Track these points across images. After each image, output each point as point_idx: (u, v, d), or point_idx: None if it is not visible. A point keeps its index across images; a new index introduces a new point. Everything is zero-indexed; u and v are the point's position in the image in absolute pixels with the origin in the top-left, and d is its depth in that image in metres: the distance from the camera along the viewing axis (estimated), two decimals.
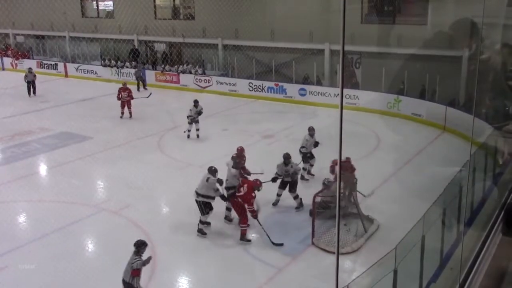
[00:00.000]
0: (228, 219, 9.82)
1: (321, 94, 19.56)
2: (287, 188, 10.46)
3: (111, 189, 12.00)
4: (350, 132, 13.87)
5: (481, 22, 6.71)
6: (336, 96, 18.82)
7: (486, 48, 9.47)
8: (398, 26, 18.92)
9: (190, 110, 15.16)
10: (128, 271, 6.99)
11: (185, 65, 23.64)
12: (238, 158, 10.61)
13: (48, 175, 13.40)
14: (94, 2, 28.56)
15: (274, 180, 10.33)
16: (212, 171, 9.31)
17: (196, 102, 15.32)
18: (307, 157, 11.87)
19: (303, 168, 11.78)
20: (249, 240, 9.14)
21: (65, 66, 26.97)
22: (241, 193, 9.11)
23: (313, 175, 11.96)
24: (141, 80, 22.79)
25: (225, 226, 9.70)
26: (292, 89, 20.39)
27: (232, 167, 9.97)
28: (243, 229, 9.14)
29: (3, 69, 29.22)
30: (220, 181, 9.39)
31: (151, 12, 25.48)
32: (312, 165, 12.03)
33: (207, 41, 23.96)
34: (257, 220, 9.15)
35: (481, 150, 9.51)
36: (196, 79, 22.73)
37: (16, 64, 28.65)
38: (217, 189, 9.32)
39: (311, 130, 11.96)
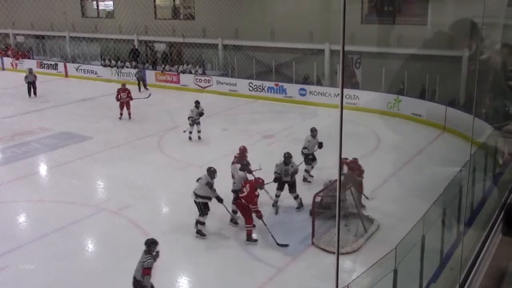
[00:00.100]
0: (233, 221, 9.73)
1: (321, 94, 19.56)
2: (287, 189, 10.46)
3: (111, 189, 12.00)
4: (350, 132, 13.87)
5: (481, 22, 6.71)
6: (336, 96, 18.82)
7: (486, 48, 9.47)
8: (398, 26, 18.92)
9: (191, 111, 14.97)
10: (139, 270, 7.02)
11: (185, 65, 23.64)
12: (241, 157, 10.59)
13: (48, 175, 13.40)
14: (94, 2, 28.56)
15: (276, 180, 10.31)
16: (211, 172, 9.29)
17: (197, 103, 15.14)
18: (309, 158, 11.73)
19: (305, 170, 11.71)
20: (256, 240, 9.14)
21: (65, 66, 26.97)
22: (244, 194, 9.10)
23: (312, 176, 11.92)
24: (141, 81, 22.76)
25: (225, 226, 9.69)
26: (292, 89, 20.39)
27: (240, 169, 9.91)
28: (249, 229, 9.14)
29: (3, 69, 29.22)
30: (209, 184, 9.22)
31: (151, 12, 25.48)
32: (312, 167, 11.91)
33: (207, 41, 23.96)
34: (262, 221, 9.15)
35: (481, 150, 9.51)
36: (196, 79, 22.73)
37: (16, 64, 28.65)
38: (215, 190, 9.31)
39: (314, 131, 11.81)
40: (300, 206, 10.46)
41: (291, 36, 20.72)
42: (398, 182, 11.58)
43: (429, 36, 17.68)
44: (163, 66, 24.33)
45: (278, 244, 8.98)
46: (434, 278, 6.98)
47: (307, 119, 17.50)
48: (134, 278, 7.08)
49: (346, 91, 18.39)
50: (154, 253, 7.11)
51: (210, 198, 9.26)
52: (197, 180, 9.32)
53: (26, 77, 21.31)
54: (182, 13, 25.80)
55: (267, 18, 21.54)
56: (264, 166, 10.69)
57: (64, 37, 28.92)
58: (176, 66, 23.86)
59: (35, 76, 21.53)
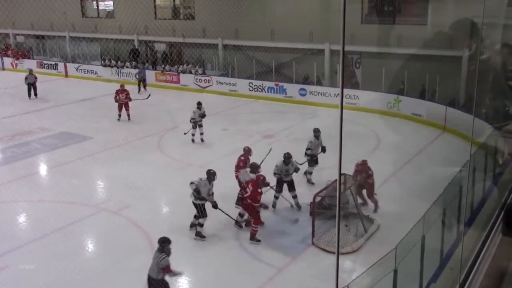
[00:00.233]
0: (238, 224, 9.67)
1: (321, 94, 19.57)
2: (287, 189, 10.46)
3: (111, 189, 12.00)
4: (350, 132, 13.88)
5: (481, 22, 6.71)
6: (336, 96, 18.82)
7: (486, 48, 9.47)
8: (398, 26, 18.92)
9: (194, 112, 14.74)
10: (154, 269, 7.04)
11: (185, 65, 23.64)
12: (245, 156, 10.57)
13: (48, 175, 13.40)
14: (94, 2, 28.56)
15: (277, 181, 10.28)
16: (211, 174, 9.25)
17: (199, 104, 14.88)
18: (313, 160, 11.56)
19: (309, 172, 11.61)
20: (259, 241, 9.14)
21: (65, 66, 26.98)
22: (248, 193, 9.11)
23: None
24: (142, 81, 22.66)
25: (224, 227, 9.68)
26: (292, 89, 20.39)
27: (250, 172, 9.86)
28: (255, 230, 9.14)
29: (3, 69, 29.22)
30: (196, 190, 9.09)
31: (151, 12, 25.48)
32: (311, 172, 11.72)
33: (207, 41, 23.96)
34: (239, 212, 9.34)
35: (481, 150, 9.51)
36: (196, 79, 22.73)
37: (16, 64, 28.65)
38: (212, 193, 9.27)
39: (317, 132, 11.61)
40: (298, 207, 10.46)
41: (291, 36, 20.72)
42: (398, 182, 11.58)
43: (429, 36, 17.68)
44: (163, 66, 24.33)
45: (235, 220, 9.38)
46: (434, 278, 6.98)
47: (307, 119, 17.51)
48: (149, 276, 7.11)
49: (346, 91, 18.39)
50: (167, 251, 7.13)
51: (206, 200, 9.24)
52: (190, 184, 9.19)
53: (26, 78, 21.09)
54: (182, 13, 25.80)
55: (267, 18, 21.54)
56: (264, 166, 10.67)
57: (64, 37, 28.92)
58: (176, 66, 23.86)
59: (36, 77, 21.33)
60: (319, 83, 20.71)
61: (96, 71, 25.83)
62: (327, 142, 11.47)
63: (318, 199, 9.29)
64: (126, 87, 18.05)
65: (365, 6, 20.16)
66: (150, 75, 23.83)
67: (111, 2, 27.66)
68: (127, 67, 24.73)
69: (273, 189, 10.33)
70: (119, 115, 17.48)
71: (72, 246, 9.15)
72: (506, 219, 7.16)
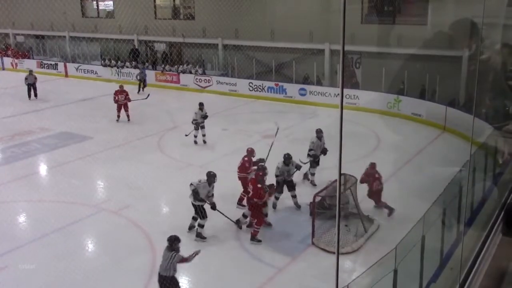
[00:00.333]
0: (239, 225, 9.62)
1: (321, 94, 19.57)
2: (286, 189, 10.46)
3: (111, 189, 12.00)
4: (350, 132, 13.88)
5: (481, 22, 6.71)
6: (336, 96, 18.82)
7: (486, 48, 9.47)
8: (398, 26, 18.92)
9: (195, 113, 14.52)
10: (166, 268, 7.09)
11: (185, 65, 23.64)
12: (248, 157, 10.60)
13: (48, 175, 13.40)
14: (94, 2, 28.56)
15: (278, 183, 10.21)
16: (211, 176, 9.23)
17: (201, 105, 14.62)
18: (315, 161, 11.44)
19: (311, 173, 11.54)
20: (260, 241, 9.13)
21: (65, 66, 26.98)
22: (251, 193, 9.11)
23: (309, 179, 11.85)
24: (142, 82, 22.50)
25: (224, 227, 9.68)
26: (292, 89, 20.39)
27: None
28: (256, 230, 9.14)
29: (3, 69, 29.22)
30: (195, 192, 9.06)
31: (151, 12, 25.48)
32: (314, 173, 11.60)
33: (207, 41, 23.96)
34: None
35: (481, 150, 9.51)
36: (196, 79, 22.73)
37: (16, 64, 28.65)
38: (212, 195, 9.25)
39: (319, 133, 11.44)
40: (298, 206, 10.46)
41: (291, 36, 20.72)
42: (398, 182, 11.57)
43: (429, 36, 17.69)
44: (163, 66, 24.33)
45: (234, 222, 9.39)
46: (434, 278, 6.98)
47: (307, 119, 17.51)
48: (160, 275, 7.16)
49: (346, 91, 18.39)
50: (176, 249, 7.19)
51: (206, 202, 9.23)
52: (190, 185, 9.17)
53: (26, 78, 20.89)
54: (182, 13, 25.81)
55: (267, 18, 21.54)
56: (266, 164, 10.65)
57: (64, 37, 28.93)
58: (176, 66, 23.86)
59: (35, 78, 21.15)
60: (319, 83, 20.72)
61: (96, 71, 25.83)
62: (327, 142, 11.46)
63: (318, 199, 9.29)
64: (126, 87, 18.05)
65: (365, 6, 20.16)
66: (150, 75, 23.82)
67: (111, 2, 27.66)
68: (127, 67, 24.73)
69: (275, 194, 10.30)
70: (118, 116, 17.37)
71: (72, 246, 9.15)
72: (506, 219, 7.16)
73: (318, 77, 20.84)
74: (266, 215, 9.69)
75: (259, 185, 9.07)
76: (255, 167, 9.91)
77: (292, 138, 14.73)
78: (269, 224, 9.69)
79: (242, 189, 10.61)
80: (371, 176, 9.98)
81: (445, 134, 15.58)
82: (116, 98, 17.18)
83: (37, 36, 30.27)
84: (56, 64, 27.38)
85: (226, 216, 9.52)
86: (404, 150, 14.07)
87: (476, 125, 9.76)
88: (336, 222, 6.73)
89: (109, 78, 24.66)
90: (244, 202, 10.50)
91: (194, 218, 9.41)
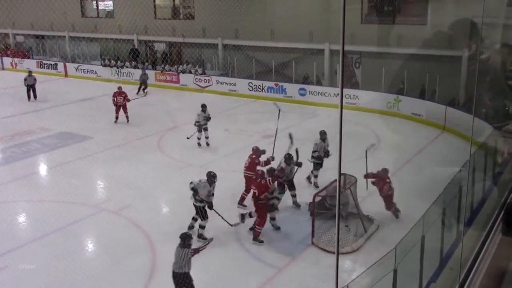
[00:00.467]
0: (243, 220, 9.43)
1: (321, 94, 19.57)
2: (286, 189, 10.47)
3: (111, 189, 12.00)
4: (350, 132, 13.88)
5: (481, 22, 6.71)
6: (336, 96, 18.82)
7: (486, 48, 9.47)
8: (398, 26, 18.93)
9: (198, 115, 14.24)
10: (180, 264, 7.15)
11: (185, 65, 23.64)
12: (255, 154, 10.59)
13: (48, 175, 13.40)
14: (94, 2, 28.55)
15: (281, 183, 10.11)
16: (211, 176, 9.21)
17: (204, 107, 14.36)
18: (318, 164, 11.35)
19: (314, 175, 11.44)
20: (262, 241, 9.12)
21: (65, 66, 26.97)
22: (257, 192, 9.09)
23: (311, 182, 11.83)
24: (143, 83, 22.24)
25: (225, 228, 9.68)
26: (292, 89, 20.40)
27: (269, 176, 9.72)
28: (258, 231, 9.13)
29: (3, 69, 29.21)
30: (194, 190, 9.05)
31: (151, 12, 25.48)
32: (317, 175, 11.50)
33: (207, 41, 23.96)
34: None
35: (481, 150, 9.51)
36: (196, 79, 22.73)
37: (16, 64, 28.64)
38: (212, 194, 9.23)
39: (323, 134, 11.31)
40: (297, 206, 10.46)
41: (291, 36, 20.72)
42: (398, 182, 11.55)
43: (429, 36, 17.69)
44: (162, 66, 24.33)
45: (230, 224, 9.27)
46: (434, 278, 6.98)
47: (307, 119, 17.52)
48: (174, 272, 7.21)
49: (346, 91, 18.39)
50: (188, 246, 7.24)
51: (205, 202, 9.22)
52: (189, 184, 9.15)
53: (25, 79, 20.64)
54: (182, 13, 25.80)
55: (267, 18, 21.54)
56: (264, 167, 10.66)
57: (64, 37, 28.93)
58: (176, 66, 23.86)
59: (35, 79, 20.88)
60: (318, 83, 20.72)
61: (95, 71, 25.83)
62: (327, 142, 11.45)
63: (318, 199, 9.29)
64: (126, 87, 18.04)
65: (365, 6, 20.17)
66: (150, 75, 23.77)
67: (111, 2, 27.66)
68: (127, 67, 24.73)
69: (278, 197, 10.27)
70: (116, 117, 17.17)
71: (72, 246, 9.15)
72: (506, 219, 7.15)
73: (318, 77, 20.84)
74: (274, 218, 9.62)
75: (262, 181, 9.04)
76: (267, 167, 9.81)
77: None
78: (278, 228, 9.59)
79: (244, 189, 10.62)
80: (382, 180, 9.84)
81: (445, 134, 15.58)
82: (115, 100, 17.06)
83: (37, 36, 30.27)
84: (56, 64, 27.38)
85: (222, 218, 9.41)
86: (404, 150, 14.08)
87: (476, 125, 9.76)
88: (336, 222, 6.74)
89: (109, 78, 24.66)
90: (245, 202, 10.52)
91: (194, 219, 9.41)
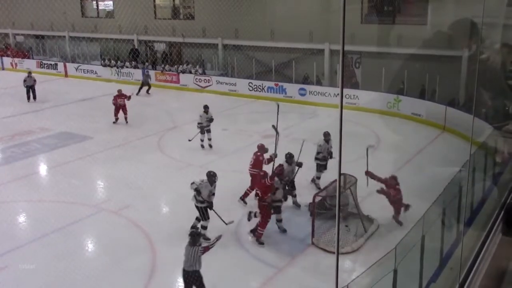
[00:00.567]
0: (249, 217, 9.47)
1: (321, 94, 19.57)
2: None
3: (111, 189, 12.00)
4: (350, 132, 13.87)
5: (481, 22, 6.71)
6: (336, 96, 18.82)
7: (486, 48, 9.47)
8: (398, 26, 18.93)
9: (201, 116, 14.02)
10: (193, 263, 7.17)
11: (185, 65, 23.64)
12: (261, 153, 10.60)
13: (48, 175, 13.40)
14: (94, 2, 28.56)
15: (289, 190, 9.98)
16: (211, 176, 9.20)
17: (206, 108, 14.10)
18: (322, 165, 11.28)
19: (317, 177, 11.38)
20: (262, 243, 9.08)
21: (65, 66, 26.97)
22: (260, 194, 9.08)
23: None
24: (147, 84, 22.08)
25: (225, 227, 9.67)
26: (292, 89, 20.40)
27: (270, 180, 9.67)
28: (260, 232, 9.10)
29: (3, 69, 29.22)
30: (197, 191, 9.04)
31: (151, 12, 25.49)
32: (319, 177, 11.43)
33: (207, 41, 23.97)
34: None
35: (481, 150, 9.51)
36: (196, 79, 22.73)
37: (16, 64, 28.65)
38: (213, 194, 9.22)
39: (327, 136, 11.22)
40: (297, 206, 10.45)
41: (291, 36, 20.73)
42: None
43: (429, 36, 17.69)
44: (163, 66, 24.33)
45: (226, 223, 9.19)
46: (434, 278, 6.98)
47: (307, 119, 17.52)
48: (184, 270, 7.24)
49: (346, 91, 18.39)
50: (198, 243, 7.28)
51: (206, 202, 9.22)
52: (191, 184, 9.14)
53: (24, 80, 20.48)
54: (182, 13, 25.81)
55: (267, 18, 21.55)
56: (264, 167, 10.64)
57: (64, 37, 28.94)
58: (176, 66, 23.86)
59: (35, 80, 20.69)
60: (318, 83, 20.73)
61: (96, 71, 25.83)
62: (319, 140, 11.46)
63: (318, 199, 9.29)
64: (126, 87, 18.02)
65: (365, 6, 20.17)
66: (150, 75, 23.83)
67: (111, 2, 27.67)
68: (127, 67, 24.73)
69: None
70: (116, 119, 17.09)
71: (72, 246, 9.15)
72: (506, 219, 7.15)
73: (318, 77, 20.84)
74: (281, 220, 9.54)
75: (266, 182, 9.03)
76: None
77: (292, 138, 14.70)
78: (284, 230, 9.53)
79: (244, 189, 10.62)
80: (391, 187, 9.72)
81: (445, 134, 15.58)
82: (116, 102, 16.91)
83: (37, 36, 30.27)
84: (56, 64, 27.38)
85: (220, 217, 9.36)
86: (404, 150, 14.07)
87: (476, 125, 9.76)
88: (336, 222, 6.73)
89: (109, 78, 24.66)
90: (247, 199, 10.51)
91: (198, 219, 9.40)
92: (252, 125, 16.96)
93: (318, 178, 11.41)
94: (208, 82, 22.41)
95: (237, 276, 8.25)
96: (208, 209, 9.20)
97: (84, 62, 27.34)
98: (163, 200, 11.50)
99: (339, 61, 20.11)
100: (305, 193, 10.59)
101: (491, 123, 11.46)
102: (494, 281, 6.01)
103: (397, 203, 9.76)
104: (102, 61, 26.18)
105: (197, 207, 9.19)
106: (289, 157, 10.22)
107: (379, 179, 9.91)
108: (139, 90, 21.53)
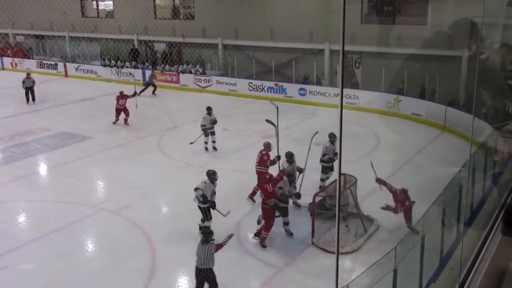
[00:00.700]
0: (258, 222, 9.43)
1: (321, 94, 19.57)
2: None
3: (111, 189, 12.00)
4: (350, 132, 13.88)
5: (481, 22, 6.71)
6: (336, 96, 18.82)
7: (486, 48, 9.47)
8: (398, 26, 18.93)
9: (203, 118, 13.80)
10: (206, 261, 7.22)
11: (185, 65, 23.65)
12: (266, 151, 10.59)
13: (48, 175, 13.40)
14: (94, 2, 28.56)
15: (298, 195, 9.78)
16: (211, 174, 9.19)
17: (209, 110, 13.88)
18: (328, 167, 11.15)
19: (321, 179, 11.27)
20: (265, 246, 9.04)
21: (65, 66, 26.97)
22: (264, 198, 9.05)
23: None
24: (152, 85, 22.00)
25: (225, 228, 9.67)
26: (292, 89, 20.40)
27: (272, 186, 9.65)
28: (264, 236, 9.07)
29: (3, 69, 29.22)
30: (203, 196, 9.01)
31: (151, 12, 25.49)
32: (328, 177, 11.27)
33: (207, 41, 23.97)
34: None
35: (481, 150, 9.51)
36: (196, 79, 22.73)
37: (16, 64, 28.65)
38: (214, 193, 9.22)
39: (332, 137, 10.93)
40: (298, 206, 10.45)
41: (291, 36, 20.73)
42: (397, 182, 11.56)
43: (429, 36, 17.69)
44: (163, 66, 24.33)
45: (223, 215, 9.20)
46: (434, 278, 6.98)
47: (306, 119, 17.52)
48: (198, 268, 7.29)
49: (346, 91, 18.39)
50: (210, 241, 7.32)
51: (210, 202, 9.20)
52: (196, 190, 9.10)
53: (23, 82, 20.27)
54: (182, 13, 25.81)
55: (267, 18, 21.55)
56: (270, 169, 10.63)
57: (64, 37, 28.94)
58: (176, 66, 23.87)
59: (34, 82, 20.47)
60: (318, 83, 20.73)
61: (95, 71, 25.82)
62: (324, 141, 11.43)
63: (318, 199, 9.29)
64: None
65: (365, 6, 20.17)
66: (149, 75, 23.81)
67: (111, 2, 27.67)
68: (127, 67, 24.73)
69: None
70: (116, 120, 16.99)
71: (72, 246, 9.15)
72: (506, 219, 7.15)
73: (318, 77, 20.84)
74: (288, 223, 9.47)
75: (269, 188, 9.02)
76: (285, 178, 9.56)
77: (291, 138, 14.72)
78: (291, 234, 9.46)
79: (245, 189, 10.62)
80: (402, 201, 9.41)
81: (445, 134, 15.58)
82: (118, 103, 16.82)
83: (36, 36, 30.27)
84: (56, 64, 27.37)
85: (218, 211, 9.28)
86: (403, 150, 14.07)
87: (476, 125, 9.76)
88: (336, 222, 6.73)
89: (109, 78, 24.66)
90: (255, 197, 10.50)
91: (203, 220, 9.39)
92: (252, 125, 16.94)
93: (322, 180, 11.25)
94: (208, 82, 22.41)
95: (237, 276, 8.24)
96: (211, 209, 9.20)
97: (84, 62, 27.34)
98: (163, 200, 11.50)
99: (339, 61, 20.12)
100: (305, 194, 10.58)
101: (491, 123, 11.46)
102: (494, 281, 6.01)
103: (407, 212, 9.46)
104: (102, 61, 26.18)
105: (199, 207, 9.19)
106: (290, 156, 10.21)
107: (390, 187, 9.67)
108: (142, 90, 21.42)
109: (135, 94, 16.90)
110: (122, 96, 16.92)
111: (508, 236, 6.94)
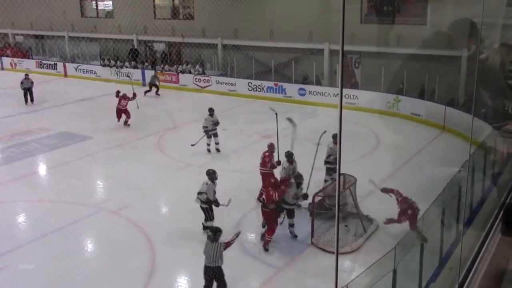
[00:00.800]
0: (263, 225, 9.40)
1: (320, 94, 19.58)
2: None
3: (111, 189, 12.00)
4: (349, 132, 13.89)
5: (480, 22, 6.72)
6: (336, 96, 18.83)
7: (486, 48, 9.48)
8: (397, 26, 18.94)
9: (205, 120, 13.60)
10: (215, 259, 7.26)
11: (184, 65, 23.64)
12: (269, 153, 10.58)
13: (48, 175, 13.40)
14: (94, 2, 28.56)
15: (305, 196, 9.58)
16: (210, 174, 9.20)
17: (211, 111, 13.67)
18: (332, 168, 11.08)
19: (325, 180, 11.20)
20: (267, 250, 9.00)
21: (64, 66, 26.97)
22: (265, 201, 9.06)
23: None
24: (155, 86, 21.86)
25: (225, 228, 9.66)
26: (292, 89, 20.40)
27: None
28: (268, 239, 9.04)
29: (2, 69, 29.20)
30: (207, 199, 9.04)
31: (150, 12, 25.49)
32: (332, 179, 11.11)
33: (206, 41, 23.96)
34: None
35: (480, 150, 9.52)
36: (196, 79, 22.73)
37: (15, 64, 28.63)
38: (215, 193, 9.23)
39: (336, 137, 10.78)
40: (298, 206, 10.44)
41: (291, 36, 20.73)
42: (397, 182, 11.57)
43: (429, 36, 17.70)
44: (162, 66, 24.33)
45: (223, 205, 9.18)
46: (434, 278, 6.99)
47: (306, 119, 17.50)
48: (206, 267, 7.31)
49: (345, 91, 18.41)
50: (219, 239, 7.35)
51: (212, 203, 9.21)
52: (200, 194, 9.12)
53: (21, 83, 20.09)
54: (182, 13, 25.81)
55: (266, 18, 21.55)
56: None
57: (63, 37, 28.92)
58: (175, 66, 23.86)
59: (32, 82, 20.26)
60: (318, 83, 20.73)
61: (95, 71, 25.82)
62: (326, 143, 11.42)
63: (317, 199, 9.29)
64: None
65: (365, 6, 20.18)
66: (149, 75, 23.77)
67: (110, 2, 27.66)
68: (126, 67, 24.71)
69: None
70: (118, 121, 16.79)
71: (71, 246, 9.15)
72: (505, 219, 7.15)
73: (317, 77, 20.85)
74: (293, 225, 9.43)
75: (271, 192, 9.01)
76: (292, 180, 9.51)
77: (291, 138, 14.71)
78: (295, 236, 9.42)
79: (245, 189, 10.63)
80: (404, 211, 9.13)
81: (444, 134, 15.59)
82: (119, 103, 16.66)
83: (36, 36, 30.26)
84: (55, 64, 27.36)
85: (222, 204, 9.30)
86: (403, 150, 14.08)
87: (476, 124, 9.78)
88: (335, 222, 6.74)
89: (108, 78, 24.63)
90: (263, 198, 10.50)
91: (206, 220, 9.40)
92: (252, 125, 16.96)
93: (326, 182, 11.14)
94: (208, 82, 22.41)
95: (237, 276, 8.24)
96: (213, 208, 9.21)
97: (83, 62, 27.33)
98: (162, 200, 11.50)
99: (338, 61, 20.10)
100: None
101: (491, 123, 11.47)
102: (493, 281, 6.02)
103: (413, 218, 9.14)
104: (101, 61, 26.17)
105: (202, 208, 9.19)
106: (289, 155, 10.22)
107: (397, 194, 9.34)
108: (147, 91, 21.34)
109: (134, 95, 16.88)
110: (123, 97, 16.82)
111: (508, 236, 6.94)
